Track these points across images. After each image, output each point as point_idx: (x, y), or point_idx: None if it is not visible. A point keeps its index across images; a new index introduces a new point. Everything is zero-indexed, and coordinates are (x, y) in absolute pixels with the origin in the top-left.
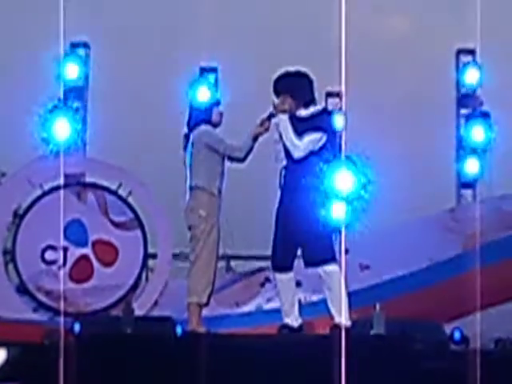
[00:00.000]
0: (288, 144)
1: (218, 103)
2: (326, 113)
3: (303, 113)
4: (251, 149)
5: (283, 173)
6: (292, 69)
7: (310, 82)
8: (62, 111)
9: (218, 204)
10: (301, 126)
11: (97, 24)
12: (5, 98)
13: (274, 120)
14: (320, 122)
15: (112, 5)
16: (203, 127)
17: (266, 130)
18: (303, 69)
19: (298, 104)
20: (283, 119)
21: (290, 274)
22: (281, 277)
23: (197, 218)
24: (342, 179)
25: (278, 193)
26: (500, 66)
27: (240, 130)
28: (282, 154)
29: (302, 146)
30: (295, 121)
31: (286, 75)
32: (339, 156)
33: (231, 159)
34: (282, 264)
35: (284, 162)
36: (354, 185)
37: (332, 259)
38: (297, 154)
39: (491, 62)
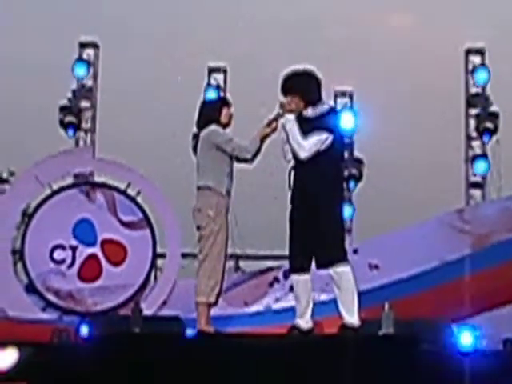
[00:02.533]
0: (294, 144)
1: (228, 103)
2: (333, 112)
3: (310, 113)
4: (259, 149)
5: (292, 173)
6: (300, 68)
7: (318, 81)
8: (72, 111)
9: (227, 204)
10: (307, 126)
11: (106, 24)
12: (14, 98)
13: (281, 120)
14: (327, 121)
15: (121, 6)
16: (212, 127)
17: (274, 130)
18: (311, 69)
19: (305, 104)
20: (289, 119)
21: (307, 276)
22: (298, 278)
23: (205, 218)
24: None
25: (289, 193)
26: (509, 66)
27: (248, 130)
28: (290, 155)
29: (307, 146)
30: (302, 121)
31: (294, 75)
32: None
33: (239, 160)
34: (299, 265)
35: (292, 162)
36: None
37: (343, 259)
38: (302, 154)
39: (500, 61)
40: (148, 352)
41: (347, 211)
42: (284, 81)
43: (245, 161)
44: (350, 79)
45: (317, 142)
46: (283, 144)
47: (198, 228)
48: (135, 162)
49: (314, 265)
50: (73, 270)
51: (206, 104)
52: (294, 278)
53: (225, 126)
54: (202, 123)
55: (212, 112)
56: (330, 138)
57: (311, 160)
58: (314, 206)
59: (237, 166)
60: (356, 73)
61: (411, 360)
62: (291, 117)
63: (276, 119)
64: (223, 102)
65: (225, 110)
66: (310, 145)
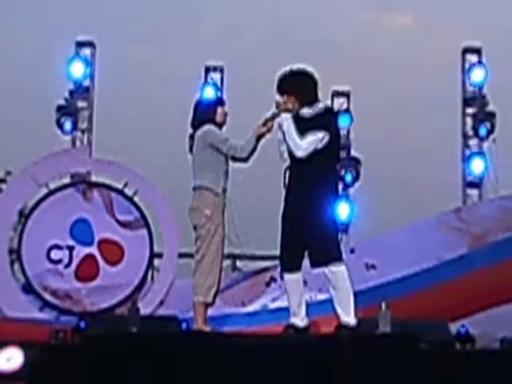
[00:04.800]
0: (290, 143)
1: (222, 103)
2: (329, 112)
3: (306, 112)
4: (255, 149)
5: (287, 172)
6: (297, 67)
7: (314, 81)
8: (68, 110)
9: (223, 203)
10: (304, 126)
11: (102, 23)
12: (11, 97)
13: (277, 119)
14: (323, 121)
15: (117, 5)
16: (207, 127)
17: (269, 130)
18: (308, 68)
19: (301, 103)
20: (286, 118)
21: (298, 275)
22: (289, 277)
23: (202, 218)
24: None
25: (283, 192)
26: (506, 65)
27: (244, 129)
28: (286, 154)
29: (304, 145)
30: (298, 120)
31: (291, 74)
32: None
33: (235, 159)
34: (290, 264)
35: (288, 162)
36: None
37: (338, 259)
38: (299, 153)
39: (497, 61)
40: (145, 351)
41: (345, 210)
42: (280, 80)
43: (240, 160)
44: (346, 79)
45: (313, 141)
46: (279, 143)
47: (195, 228)
48: (132, 161)
49: (309, 264)
50: (70, 269)
51: (200, 104)
52: (286, 276)
53: (220, 125)
54: (196, 123)
55: (207, 111)
56: (327, 137)
57: (306, 159)
58: (308, 204)
59: (233, 165)
60: (353, 72)
61: (408, 359)
62: (288, 116)
63: (272, 118)
64: (218, 101)
65: (220, 110)
66: (306, 144)
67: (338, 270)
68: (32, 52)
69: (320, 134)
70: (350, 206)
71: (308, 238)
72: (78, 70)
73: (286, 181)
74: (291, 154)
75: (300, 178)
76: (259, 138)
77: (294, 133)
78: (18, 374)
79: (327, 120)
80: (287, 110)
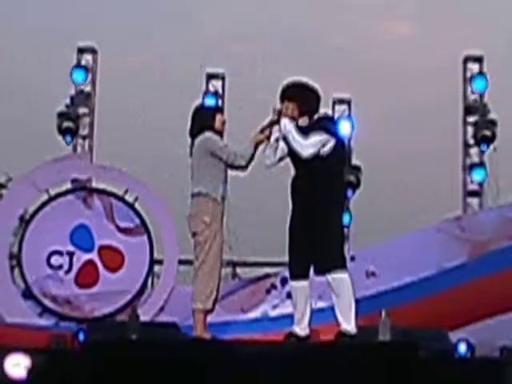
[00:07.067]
0: (295, 145)
1: (220, 110)
2: (328, 118)
3: (306, 122)
4: (253, 156)
5: (295, 183)
6: (302, 80)
7: (318, 96)
8: (69, 116)
9: (222, 210)
10: (305, 131)
11: (103, 29)
12: (12, 103)
13: (277, 126)
14: (323, 124)
15: (119, 11)
16: (207, 134)
17: (267, 137)
18: (313, 83)
19: (301, 113)
20: (287, 122)
21: (305, 283)
22: (296, 284)
23: (200, 225)
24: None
25: (290, 203)
26: (507, 73)
27: (244, 136)
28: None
29: (309, 144)
30: (299, 128)
31: (295, 84)
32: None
33: (233, 167)
34: (297, 272)
35: (293, 172)
36: None
37: (341, 266)
38: (305, 152)
39: (498, 69)
40: (145, 358)
41: (345, 218)
42: (285, 88)
43: (239, 168)
44: (348, 86)
45: (319, 140)
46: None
47: (194, 234)
48: (133, 168)
49: (312, 272)
50: (70, 275)
51: (199, 111)
52: (292, 284)
53: (218, 132)
54: (195, 130)
55: (206, 119)
56: (332, 142)
57: (312, 167)
58: (314, 212)
59: (233, 172)
60: (354, 80)
61: (408, 367)
62: (287, 120)
63: (270, 126)
64: (216, 108)
65: (218, 117)
66: (311, 143)
67: (341, 278)
68: (33, 58)
69: (323, 135)
70: (349, 213)
71: (312, 245)
72: (79, 76)
73: (293, 191)
74: (296, 161)
75: (305, 186)
76: (257, 145)
77: (297, 134)
78: (25, 380)
79: (327, 124)
80: (287, 116)
